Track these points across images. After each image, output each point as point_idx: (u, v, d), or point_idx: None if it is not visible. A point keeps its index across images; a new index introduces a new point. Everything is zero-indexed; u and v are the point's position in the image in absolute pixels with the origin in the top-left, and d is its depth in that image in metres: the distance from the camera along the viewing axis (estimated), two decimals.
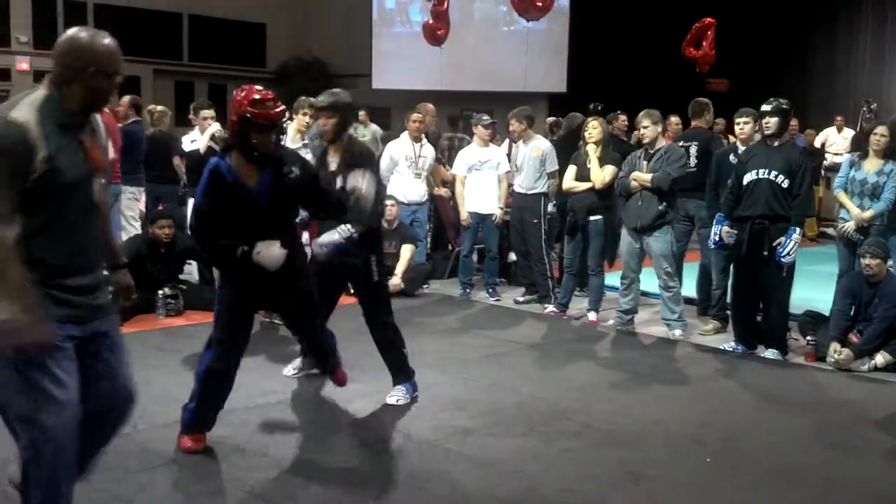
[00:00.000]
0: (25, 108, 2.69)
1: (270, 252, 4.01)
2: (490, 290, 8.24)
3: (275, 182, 4.00)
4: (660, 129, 6.91)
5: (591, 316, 7.35)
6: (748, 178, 6.17)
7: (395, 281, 7.87)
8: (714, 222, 6.51)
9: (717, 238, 6.42)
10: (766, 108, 6.20)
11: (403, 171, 8.33)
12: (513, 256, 8.77)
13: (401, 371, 5.14)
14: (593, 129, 7.25)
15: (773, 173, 6.06)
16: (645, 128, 6.81)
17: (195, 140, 7.62)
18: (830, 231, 11.32)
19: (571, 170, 7.40)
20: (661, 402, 5.28)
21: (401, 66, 19.08)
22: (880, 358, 5.94)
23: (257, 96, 3.89)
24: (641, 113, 6.92)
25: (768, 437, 4.72)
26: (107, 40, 2.89)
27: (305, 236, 5.47)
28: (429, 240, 9.05)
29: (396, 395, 5.06)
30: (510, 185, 8.15)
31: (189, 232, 4.62)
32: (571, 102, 12.95)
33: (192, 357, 5.79)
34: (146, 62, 19.27)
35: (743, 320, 6.46)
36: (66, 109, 2.77)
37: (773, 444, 4.60)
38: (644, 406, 5.16)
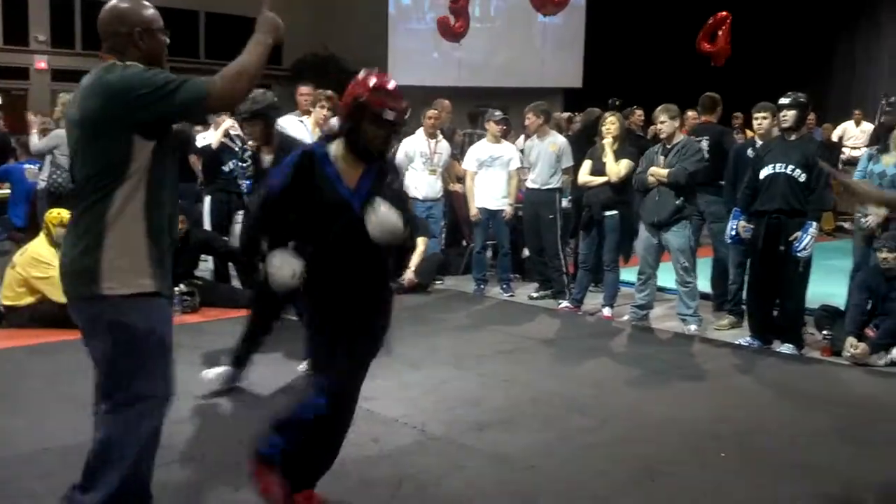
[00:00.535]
0: None
1: (283, 270, 3.26)
2: (504, 286, 8.24)
3: (375, 189, 3.30)
4: (677, 123, 6.89)
5: (606, 311, 7.34)
6: (765, 172, 6.14)
7: (409, 275, 7.89)
8: (731, 217, 6.49)
9: (733, 233, 6.40)
10: (783, 101, 6.17)
11: (418, 167, 8.35)
12: (527, 252, 8.76)
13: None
14: (611, 124, 7.24)
15: (790, 167, 6.03)
16: (662, 122, 6.79)
17: (206, 137, 7.69)
18: (847, 225, 11.26)
19: (587, 164, 7.39)
20: (676, 398, 5.27)
21: (417, 63, 19.11)
22: None
23: (380, 83, 3.30)
24: (659, 108, 6.90)
25: (784, 431, 4.70)
26: (145, 2, 3.02)
27: None
28: (443, 236, 9.07)
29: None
30: (523, 181, 8.15)
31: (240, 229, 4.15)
32: (587, 97, 12.92)
33: (208, 353, 5.83)
34: None
35: (759, 315, 6.43)
36: None
37: (788, 439, 4.58)
38: (659, 401, 5.16)
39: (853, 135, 14.11)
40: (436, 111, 8.42)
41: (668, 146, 6.74)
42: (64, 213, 6.71)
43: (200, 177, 8.39)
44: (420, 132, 8.48)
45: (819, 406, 5.20)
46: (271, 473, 3.34)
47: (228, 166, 7.92)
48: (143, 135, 2.80)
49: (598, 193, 7.25)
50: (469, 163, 8.25)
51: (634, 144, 7.65)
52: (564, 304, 7.65)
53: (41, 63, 20.89)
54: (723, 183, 7.20)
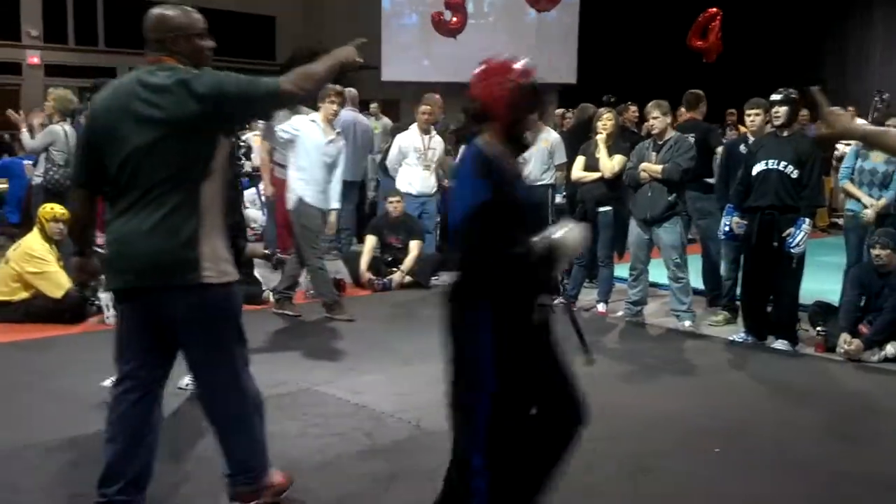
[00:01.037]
0: None
1: (573, 234, 3.01)
2: None
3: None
4: (669, 119, 6.90)
5: (601, 307, 7.35)
6: (757, 168, 6.15)
7: (398, 277, 7.94)
8: (724, 213, 6.49)
9: (727, 229, 6.41)
10: (775, 97, 6.18)
11: (412, 163, 8.35)
12: None
13: None
14: (608, 120, 7.23)
15: (783, 164, 6.04)
16: (655, 118, 6.80)
17: None
18: (841, 221, 11.28)
19: (580, 160, 7.40)
20: (670, 393, 5.28)
21: (410, 58, 19.08)
22: (890, 348, 5.93)
23: (529, 66, 3.01)
24: (650, 104, 6.90)
25: (777, 427, 4.71)
26: (188, 9, 3.30)
27: None
28: (438, 232, 9.06)
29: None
30: None
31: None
32: (581, 94, 12.92)
33: None
34: None
35: (753, 311, 6.44)
36: None
37: (782, 435, 4.59)
38: (653, 397, 5.16)
39: None
40: (429, 107, 8.42)
41: (660, 142, 6.74)
42: (57, 209, 6.70)
43: None
44: (414, 128, 8.48)
45: (812, 402, 5.21)
46: None
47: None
48: (225, 133, 3.16)
49: (591, 189, 7.25)
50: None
51: (628, 141, 7.66)
52: (559, 299, 7.63)
53: (34, 58, 20.79)
54: (708, 180, 7.21)
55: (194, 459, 4.02)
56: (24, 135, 8.00)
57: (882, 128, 3.49)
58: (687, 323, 6.78)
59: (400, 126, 10.22)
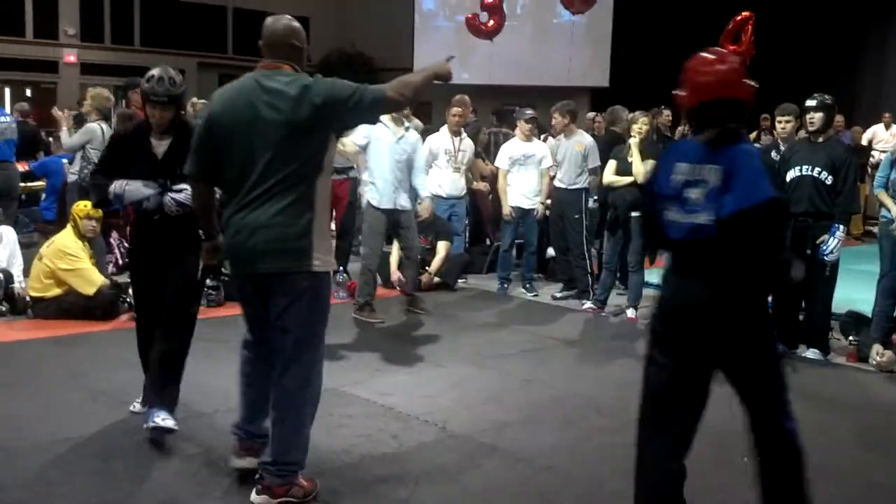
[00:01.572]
0: None
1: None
2: (528, 286, 8.23)
3: None
4: None
5: (630, 313, 7.31)
6: (791, 174, 6.08)
7: (426, 278, 7.95)
8: None
9: None
10: (810, 103, 6.11)
11: (442, 165, 8.34)
12: (551, 252, 8.74)
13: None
14: (643, 124, 7.19)
15: (817, 170, 5.97)
16: None
17: None
18: (875, 229, 11.12)
19: (612, 164, 7.36)
20: None
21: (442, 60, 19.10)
22: None
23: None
24: None
25: (808, 437, 4.61)
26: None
27: None
28: (467, 234, 9.06)
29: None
30: (551, 180, 8.14)
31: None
32: (614, 97, 12.86)
33: (232, 346, 5.85)
34: (191, 55, 19.46)
35: (784, 319, 6.36)
36: None
37: (813, 444, 4.49)
38: None
39: (883, 138, 13.94)
40: (459, 109, 8.40)
41: None
42: (91, 206, 6.76)
43: None
44: (444, 130, 8.47)
45: (844, 412, 5.14)
46: None
47: None
48: (336, 133, 3.53)
49: (624, 194, 7.21)
50: (502, 161, 8.24)
51: (663, 144, 7.60)
52: (588, 304, 7.62)
53: (70, 56, 21.05)
54: None
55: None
56: (63, 132, 8.10)
57: None
58: None
59: (431, 128, 10.23)
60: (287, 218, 3.38)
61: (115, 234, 7.84)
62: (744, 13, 12.91)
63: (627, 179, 7.17)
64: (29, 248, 7.50)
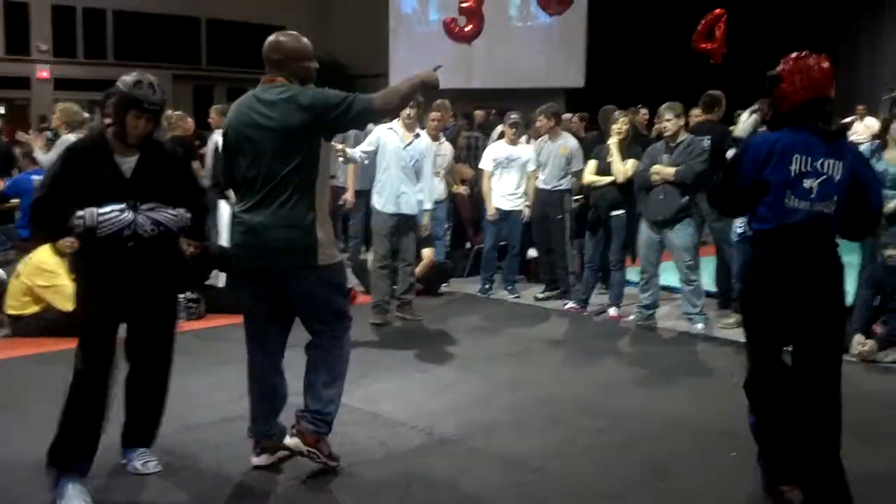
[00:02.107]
0: None
1: None
2: (510, 287, 8.22)
3: None
4: (682, 122, 6.87)
5: (613, 311, 7.32)
6: None
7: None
8: None
9: (741, 230, 6.37)
10: None
11: None
12: (532, 253, 8.74)
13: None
14: (622, 125, 7.22)
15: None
16: (668, 121, 6.77)
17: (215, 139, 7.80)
18: None
19: (592, 164, 7.39)
20: (685, 397, 5.25)
21: (418, 65, 19.03)
22: None
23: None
24: (663, 106, 6.87)
25: None
26: (299, 36, 3.98)
27: None
28: (448, 238, 9.05)
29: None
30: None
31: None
32: (590, 98, 12.91)
33: (214, 360, 5.82)
34: (165, 67, 19.34)
35: None
36: None
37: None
38: (668, 401, 5.14)
39: (856, 130, 14.06)
40: (439, 114, 8.38)
41: (673, 144, 6.71)
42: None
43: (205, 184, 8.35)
44: (423, 134, 8.45)
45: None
46: None
47: None
48: (326, 138, 3.82)
49: (604, 193, 7.23)
50: (486, 163, 8.26)
51: (639, 144, 7.62)
52: (570, 304, 7.63)
53: (43, 72, 20.89)
54: None
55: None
56: (38, 152, 7.94)
57: None
58: (699, 326, 6.74)
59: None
60: (292, 218, 3.70)
61: None
62: (716, 10, 13.02)
63: (607, 179, 7.19)
64: (5, 267, 7.43)
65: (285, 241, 3.72)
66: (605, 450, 4.37)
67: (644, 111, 10.02)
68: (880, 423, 4.83)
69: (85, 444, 3.70)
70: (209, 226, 7.74)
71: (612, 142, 7.19)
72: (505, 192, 8.08)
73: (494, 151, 8.25)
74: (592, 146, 7.84)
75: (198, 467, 4.04)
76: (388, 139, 6.94)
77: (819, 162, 3.42)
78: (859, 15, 18.53)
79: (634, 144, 7.40)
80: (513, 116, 8.31)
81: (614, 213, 7.20)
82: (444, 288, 8.42)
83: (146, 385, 4.00)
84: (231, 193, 7.64)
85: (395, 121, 7.01)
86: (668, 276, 7.06)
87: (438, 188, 8.44)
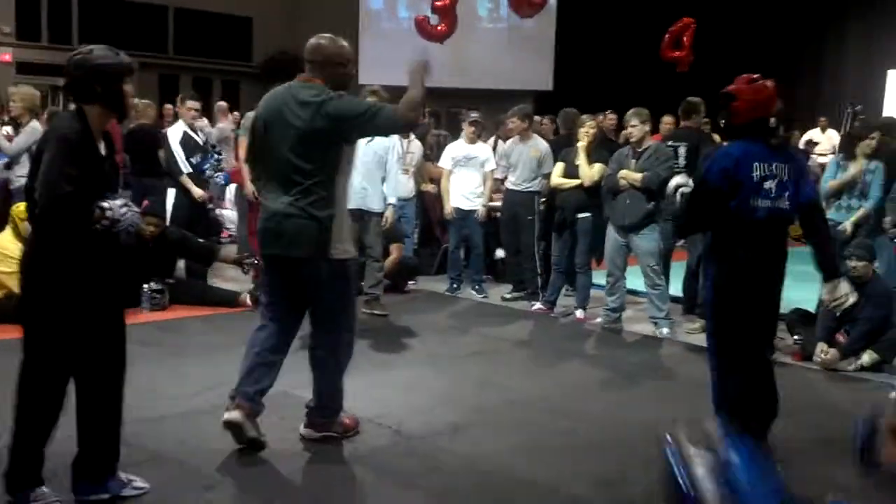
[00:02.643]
0: None
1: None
2: (477, 287, 8.22)
3: None
4: (647, 128, 6.91)
5: (579, 313, 7.35)
6: None
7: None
8: None
9: None
10: None
11: None
12: (500, 253, 8.75)
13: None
14: (590, 128, 7.25)
15: None
16: (633, 126, 6.82)
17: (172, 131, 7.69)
18: None
19: (559, 167, 7.41)
20: (650, 401, 5.28)
21: (387, 63, 18.99)
22: (866, 357, 5.97)
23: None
24: (630, 111, 6.92)
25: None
26: (340, 41, 4.19)
27: None
28: (416, 236, 9.03)
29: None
30: (501, 181, 8.15)
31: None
32: (558, 100, 12.94)
33: (176, 350, 5.75)
34: (131, 55, 18.96)
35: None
36: None
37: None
38: (633, 404, 5.16)
39: (818, 141, 14.29)
40: None
41: (639, 150, 6.76)
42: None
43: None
44: None
45: (790, 410, 5.16)
46: None
47: (196, 159, 7.81)
48: (348, 142, 4.08)
49: (570, 196, 7.27)
50: (445, 161, 8.26)
51: (606, 148, 7.66)
52: (538, 305, 7.64)
53: (6, 56, 20.51)
54: None
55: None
56: (3, 141, 7.62)
57: None
58: (665, 330, 6.79)
59: None
60: (309, 210, 3.92)
61: None
62: (684, 19, 13.12)
63: (574, 182, 7.22)
64: None
65: (300, 231, 3.94)
66: (572, 451, 4.38)
67: (612, 116, 10.08)
68: (841, 429, 4.89)
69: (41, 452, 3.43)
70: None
71: (580, 145, 7.23)
72: (463, 191, 8.08)
73: (453, 150, 8.25)
74: (559, 149, 7.86)
75: (160, 461, 3.97)
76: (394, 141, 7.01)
77: (773, 166, 4.07)
78: (823, 27, 18.82)
79: (601, 149, 7.44)
80: (472, 115, 8.32)
81: (580, 215, 7.23)
82: (411, 286, 8.40)
83: (112, 407, 3.54)
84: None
85: None
86: (634, 279, 7.11)
87: (407, 186, 8.42)
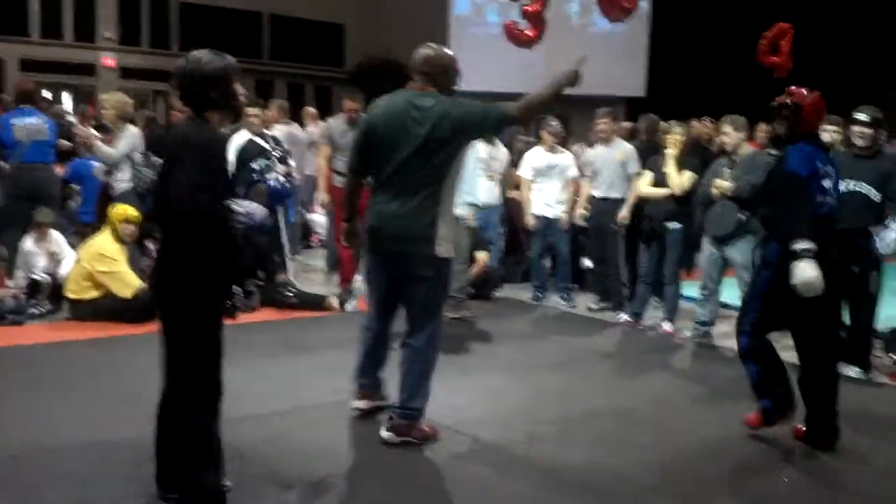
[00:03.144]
0: None
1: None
2: (564, 296, 8.15)
3: None
4: (742, 135, 6.74)
5: (667, 326, 7.20)
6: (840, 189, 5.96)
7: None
8: None
9: None
10: (860, 116, 5.95)
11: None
12: (587, 262, 8.65)
13: None
14: (677, 135, 7.10)
15: (865, 186, 5.83)
16: (726, 134, 6.66)
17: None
18: None
19: (647, 175, 7.28)
20: (737, 417, 5.10)
21: (476, 68, 19.01)
22: None
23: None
24: (724, 119, 6.76)
25: (850, 458, 4.55)
26: (448, 50, 4.51)
27: None
28: (502, 243, 9.00)
29: None
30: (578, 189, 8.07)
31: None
32: (650, 107, 12.76)
33: (265, 352, 5.85)
34: None
35: None
36: None
37: (853, 467, 4.43)
38: (719, 420, 5.02)
39: None
40: None
41: (734, 158, 6.59)
42: (130, 211, 6.82)
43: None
44: None
45: (886, 432, 5.02)
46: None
47: (258, 164, 7.72)
48: (464, 147, 4.30)
49: (659, 205, 7.13)
50: (524, 171, 8.20)
51: (700, 156, 7.49)
52: (624, 317, 7.53)
53: (108, 60, 21.27)
54: None
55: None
56: (99, 144, 7.76)
57: None
58: None
59: None
60: (418, 211, 4.18)
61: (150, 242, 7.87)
62: (782, 25, 12.78)
63: (663, 191, 7.08)
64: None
65: (409, 229, 4.20)
66: (652, 467, 4.29)
67: (709, 123, 9.86)
68: None
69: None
70: None
71: (669, 153, 7.08)
72: (546, 200, 8.02)
73: (532, 159, 8.18)
74: (642, 155, 7.73)
75: (243, 460, 4.04)
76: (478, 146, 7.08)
77: (827, 167, 4.53)
78: None
79: (692, 156, 7.28)
80: (552, 123, 8.23)
81: (669, 225, 7.09)
82: (496, 293, 8.38)
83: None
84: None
85: None
86: (728, 292, 6.91)
87: (493, 192, 8.38)
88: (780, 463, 4.43)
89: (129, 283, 6.60)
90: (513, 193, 9.01)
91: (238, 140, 7.75)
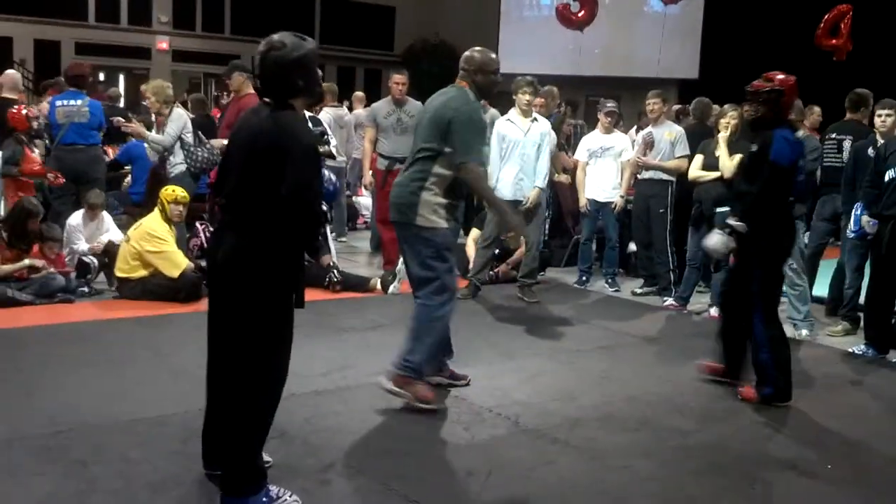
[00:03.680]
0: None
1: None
2: (609, 280, 8.10)
3: None
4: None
5: (713, 311, 7.11)
6: (890, 174, 5.84)
7: (503, 269, 7.95)
8: (853, 209, 6.24)
9: (857, 228, 6.15)
10: None
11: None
12: (632, 246, 8.58)
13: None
14: (731, 118, 6.98)
15: None
16: None
17: None
18: None
19: (698, 159, 7.18)
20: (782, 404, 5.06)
21: (527, 50, 18.95)
22: None
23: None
24: None
25: (894, 448, 4.47)
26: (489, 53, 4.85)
27: None
28: (547, 226, 8.96)
29: None
30: (635, 174, 7.99)
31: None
32: (702, 89, 12.57)
33: (309, 331, 5.91)
34: None
35: (876, 322, 6.13)
36: None
37: None
38: (763, 406, 4.96)
39: None
40: (543, 99, 8.30)
41: None
42: (179, 191, 6.92)
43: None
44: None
45: None
46: None
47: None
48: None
49: (709, 189, 7.02)
50: (580, 153, 8.15)
51: (751, 140, 7.33)
52: (669, 301, 7.46)
53: (163, 44, 21.55)
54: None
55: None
56: (155, 136, 7.84)
57: None
58: (804, 332, 6.51)
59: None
60: (408, 181, 4.54)
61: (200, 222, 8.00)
62: (841, 7, 12.47)
63: (713, 174, 6.97)
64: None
65: (398, 196, 4.58)
66: (694, 451, 4.26)
67: None
68: None
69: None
70: None
71: (722, 136, 6.97)
72: (599, 183, 7.95)
73: (588, 142, 8.13)
74: (693, 139, 7.62)
75: (286, 438, 4.09)
76: (508, 131, 7.24)
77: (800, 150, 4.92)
78: None
79: (745, 140, 7.15)
80: (609, 105, 8.15)
81: (719, 209, 6.97)
82: (540, 277, 8.35)
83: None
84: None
85: (512, 110, 7.34)
86: None
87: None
88: (825, 452, 4.36)
89: (177, 262, 6.71)
90: (560, 177, 8.97)
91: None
